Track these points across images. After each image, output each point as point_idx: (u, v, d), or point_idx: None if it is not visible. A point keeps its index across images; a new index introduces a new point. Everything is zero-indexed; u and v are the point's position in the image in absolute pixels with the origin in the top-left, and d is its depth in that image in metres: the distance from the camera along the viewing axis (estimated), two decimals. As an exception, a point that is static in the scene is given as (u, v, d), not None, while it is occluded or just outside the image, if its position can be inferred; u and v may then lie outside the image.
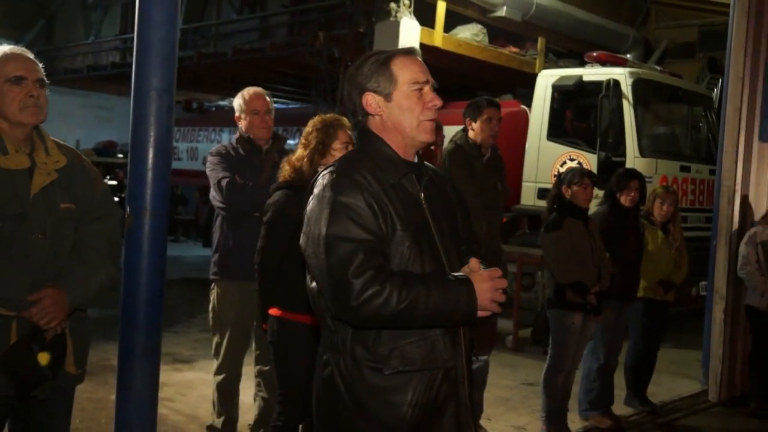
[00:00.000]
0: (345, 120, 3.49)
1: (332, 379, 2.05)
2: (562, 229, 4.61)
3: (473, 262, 2.03)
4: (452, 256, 2.10)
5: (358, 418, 2.03)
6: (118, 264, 2.74)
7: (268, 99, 4.19)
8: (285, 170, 3.47)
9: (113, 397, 3.43)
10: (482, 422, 4.72)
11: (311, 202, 2.05)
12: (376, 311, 1.90)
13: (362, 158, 2.10)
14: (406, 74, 2.09)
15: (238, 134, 4.22)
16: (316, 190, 2.05)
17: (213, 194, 4.07)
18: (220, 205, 4.05)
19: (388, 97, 2.09)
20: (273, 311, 3.42)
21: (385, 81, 2.09)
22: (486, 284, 1.97)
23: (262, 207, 3.56)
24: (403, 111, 2.09)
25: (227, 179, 3.97)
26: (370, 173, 2.04)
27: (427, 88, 2.10)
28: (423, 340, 2.00)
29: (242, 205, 3.99)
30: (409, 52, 2.16)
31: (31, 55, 2.55)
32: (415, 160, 2.16)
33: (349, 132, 3.45)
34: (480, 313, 1.98)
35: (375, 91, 2.10)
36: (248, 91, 4.18)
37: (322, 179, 2.05)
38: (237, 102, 4.19)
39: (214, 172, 4.05)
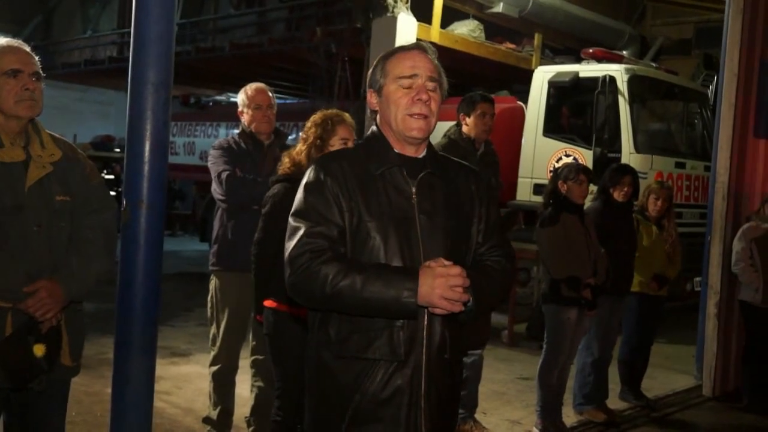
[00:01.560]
0: (346, 116, 3.52)
1: (307, 358, 2.15)
2: (557, 224, 4.63)
3: (435, 260, 1.96)
4: (438, 252, 2.02)
5: (314, 395, 2.12)
6: (114, 256, 2.75)
7: (270, 94, 4.28)
8: (285, 164, 3.52)
9: (110, 390, 3.44)
10: (477, 416, 4.74)
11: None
12: (309, 290, 1.98)
13: (356, 149, 2.14)
14: (396, 68, 2.10)
15: (240, 128, 4.29)
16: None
17: (214, 187, 4.14)
18: (221, 197, 4.12)
19: (379, 92, 2.13)
20: (268, 303, 3.44)
21: (379, 76, 2.14)
22: (435, 280, 1.91)
23: (261, 200, 3.60)
24: (389, 104, 2.10)
25: (227, 172, 4.05)
26: (352, 163, 2.08)
27: (418, 82, 2.08)
28: (377, 330, 2.01)
29: (242, 198, 4.05)
30: (411, 47, 2.16)
31: (28, 48, 2.57)
32: (422, 154, 2.15)
33: (349, 128, 3.48)
34: (434, 310, 1.96)
35: (372, 87, 2.16)
36: (251, 86, 4.26)
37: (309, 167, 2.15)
38: (240, 97, 4.27)
39: (215, 165, 4.13)
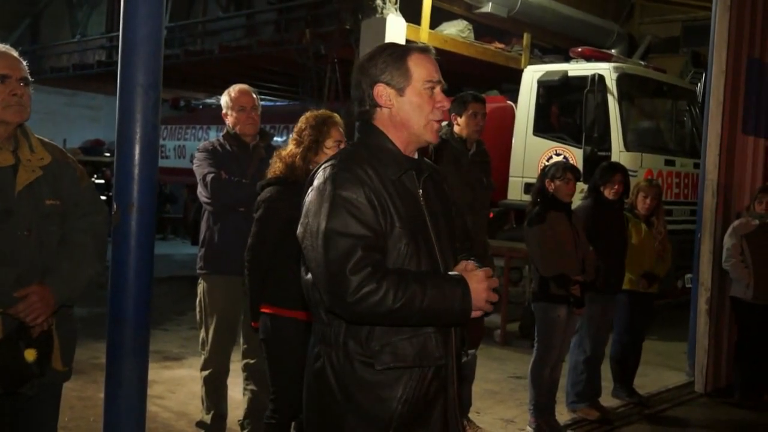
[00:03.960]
0: (337, 117, 3.51)
1: (323, 372, 2.05)
2: (544, 222, 4.65)
3: (468, 263, 2.03)
4: (447, 254, 2.11)
5: (348, 411, 2.02)
6: (105, 260, 2.74)
7: (254, 96, 4.24)
8: (276, 166, 3.48)
9: (102, 395, 3.43)
10: (471, 415, 4.75)
11: (311, 194, 2.03)
12: (371, 308, 1.90)
13: (363, 152, 2.09)
14: (422, 71, 2.08)
15: (225, 131, 4.27)
16: (316, 182, 2.04)
17: (200, 190, 4.13)
18: (206, 200, 4.10)
19: (401, 92, 2.08)
20: (265, 308, 3.42)
21: (400, 75, 2.07)
22: (481, 284, 1.97)
23: (247, 202, 3.58)
24: (413, 107, 2.08)
25: (212, 175, 4.02)
26: (371, 168, 2.03)
27: (438, 89, 2.10)
28: (415, 337, 2.01)
29: (227, 200, 4.03)
30: (424, 50, 2.16)
31: (16, 53, 2.55)
32: (416, 156, 2.16)
33: (341, 129, 3.47)
34: (474, 313, 1.99)
35: (388, 84, 2.08)
36: (234, 88, 4.24)
37: (323, 172, 2.03)
38: (224, 99, 4.25)
39: (200, 168, 4.10)
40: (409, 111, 2.08)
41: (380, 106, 2.10)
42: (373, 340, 1.99)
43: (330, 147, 3.35)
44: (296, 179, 3.27)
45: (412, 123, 2.09)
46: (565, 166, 4.81)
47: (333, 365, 2.03)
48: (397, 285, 1.90)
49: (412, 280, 1.93)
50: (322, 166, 2.07)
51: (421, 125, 2.09)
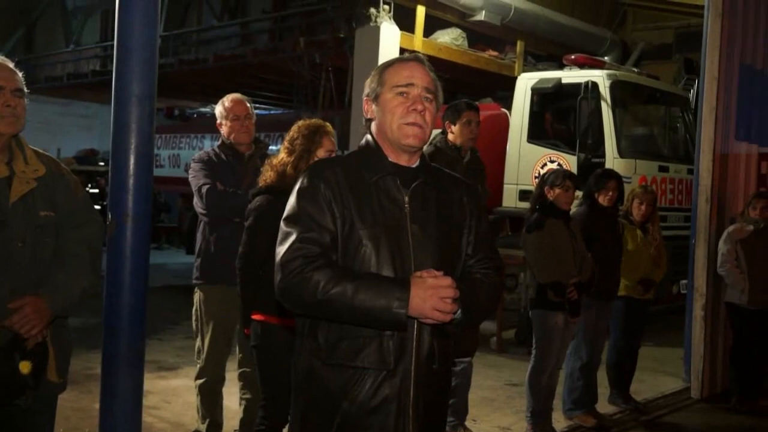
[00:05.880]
0: (329, 127, 3.52)
1: (295, 364, 2.14)
2: (543, 229, 4.65)
3: (431, 270, 1.97)
4: (429, 262, 2.03)
5: (302, 402, 2.12)
6: (99, 271, 2.73)
7: (248, 104, 4.26)
8: (267, 174, 3.48)
9: (97, 405, 3.42)
10: (467, 423, 4.74)
11: None
12: (300, 296, 1.97)
13: (350, 157, 2.15)
14: (393, 77, 2.12)
15: (220, 141, 4.28)
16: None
17: (195, 200, 4.13)
18: (202, 211, 4.11)
19: (376, 101, 2.14)
20: (256, 316, 3.43)
21: (376, 84, 2.15)
22: (426, 292, 1.91)
23: (243, 213, 3.58)
24: (385, 113, 2.12)
25: (208, 186, 4.03)
26: (346, 170, 2.08)
27: (414, 92, 2.10)
28: (367, 338, 2.01)
29: (223, 211, 4.04)
30: (408, 59, 2.19)
31: (11, 64, 2.55)
32: (415, 164, 2.16)
33: (333, 139, 3.48)
34: (425, 321, 1.96)
35: (369, 96, 2.17)
36: (228, 97, 4.26)
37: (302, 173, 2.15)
38: (218, 109, 4.27)
39: (195, 179, 4.11)
40: (382, 117, 2.13)
41: (369, 119, 2.18)
42: (328, 335, 2.04)
43: (321, 156, 3.35)
44: (286, 188, 3.26)
45: (386, 129, 2.12)
46: (564, 174, 4.82)
47: (298, 358, 2.12)
48: (328, 278, 1.94)
49: (348, 277, 1.95)
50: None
51: (393, 129, 2.11)
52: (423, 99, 2.11)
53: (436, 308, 1.92)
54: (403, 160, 2.14)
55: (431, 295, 1.92)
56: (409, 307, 1.92)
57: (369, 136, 2.18)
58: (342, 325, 2.01)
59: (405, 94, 2.10)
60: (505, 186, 8.54)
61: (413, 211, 2.09)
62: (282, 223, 2.07)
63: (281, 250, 2.02)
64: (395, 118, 2.10)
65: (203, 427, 4.15)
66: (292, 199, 2.08)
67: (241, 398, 4.05)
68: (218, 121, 4.24)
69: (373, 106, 2.16)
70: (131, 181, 3.34)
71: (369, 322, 1.97)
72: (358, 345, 2.01)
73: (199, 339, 4.18)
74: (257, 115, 4.41)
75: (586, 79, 7.97)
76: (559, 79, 8.28)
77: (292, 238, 2.01)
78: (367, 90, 2.18)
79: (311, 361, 2.07)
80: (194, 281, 4.20)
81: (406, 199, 2.09)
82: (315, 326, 2.06)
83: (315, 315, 2.03)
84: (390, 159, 2.13)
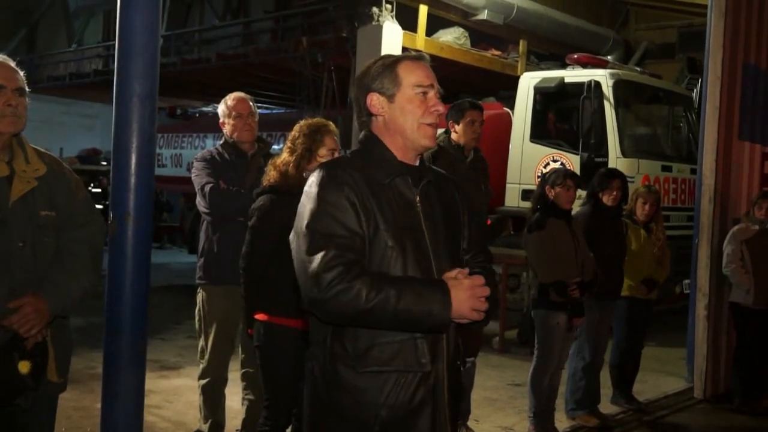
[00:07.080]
0: (332, 125, 3.51)
1: (312, 373, 2.08)
2: (544, 229, 4.64)
3: (460, 270, 1.99)
4: (444, 260, 2.07)
5: (330, 413, 2.04)
6: (100, 271, 2.72)
7: (250, 103, 4.26)
8: (270, 174, 3.48)
9: (99, 405, 3.42)
10: (470, 423, 4.73)
11: (302, 198, 2.08)
12: (342, 307, 1.91)
13: (357, 157, 2.12)
14: (411, 77, 2.10)
15: (223, 139, 4.27)
16: (306, 187, 2.08)
17: (198, 200, 4.12)
18: (205, 210, 4.09)
19: (391, 99, 2.11)
20: (259, 316, 3.42)
21: (390, 82, 2.10)
22: (465, 293, 1.93)
23: (246, 212, 3.58)
24: (404, 113, 2.09)
25: (211, 185, 4.02)
26: (360, 172, 2.05)
27: (431, 93, 2.11)
28: (400, 342, 1.99)
29: (226, 211, 4.03)
30: (417, 57, 2.18)
31: (13, 64, 2.55)
32: (417, 163, 2.16)
33: (336, 138, 3.48)
34: (459, 321, 1.97)
35: (379, 92, 2.11)
36: (231, 96, 4.26)
37: (313, 176, 2.08)
38: (221, 108, 4.26)
39: (198, 178, 4.10)
40: (400, 117, 2.10)
41: (374, 115, 2.13)
42: (357, 343, 1.99)
43: (323, 155, 3.35)
44: (289, 188, 3.27)
45: (404, 128, 2.10)
46: (566, 173, 4.81)
47: (320, 367, 2.05)
48: (370, 285, 1.90)
49: (388, 283, 1.92)
50: (314, 171, 2.11)
51: (413, 130, 2.09)
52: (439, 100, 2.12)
53: (474, 308, 1.94)
54: (409, 159, 2.14)
55: (470, 296, 1.94)
56: (451, 308, 1.93)
57: (370, 134, 2.15)
58: (373, 330, 1.97)
59: (425, 94, 2.10)
60: (507, 185, 8.52)
61: (424, 210, 2.10)
62: (306, 230, 1.98)
63: (312, 259, 1.93)
64: (415, 118, 2.09)
65: (205, 427, 4.14)
66: (312, 204, 2.00)
67: (243, 398, 4.04)
68: (221, 120, 4.23)
69: (386, 104, 2.11)
70: (133, 180, 3.33)
71: (410, 326, 1.96)
72: (391, 349, 1.99)
73: (202, 339, 4.17)
74: (259, 114, 4.40)
75: (589, 79, 7.95)
76: (562, 79, 8.26)
77: (323, 245, 1.94)
78: (373, 84, 2.11)
79: (336, 369, 2.01)
80: (197, 281, 4.19)
81: (417, 199, 2.10)
82: (339, 333, 2.01)
83: (353, 324, 1.98)
84: (398, 158, 2.12)
